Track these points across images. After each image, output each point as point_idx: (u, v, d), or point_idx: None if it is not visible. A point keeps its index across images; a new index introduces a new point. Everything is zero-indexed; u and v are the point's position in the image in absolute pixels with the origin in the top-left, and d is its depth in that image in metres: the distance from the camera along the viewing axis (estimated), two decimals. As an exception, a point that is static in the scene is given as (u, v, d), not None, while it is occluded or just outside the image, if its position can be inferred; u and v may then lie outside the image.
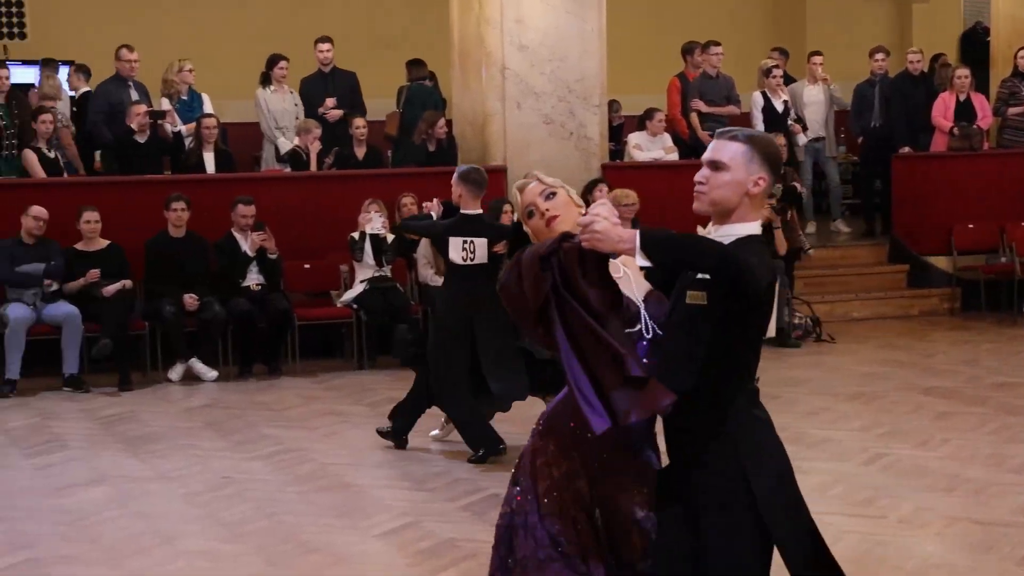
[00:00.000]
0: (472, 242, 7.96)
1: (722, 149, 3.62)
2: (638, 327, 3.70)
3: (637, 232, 3.31)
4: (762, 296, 3.47)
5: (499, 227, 8.25)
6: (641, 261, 3.28)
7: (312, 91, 12.99)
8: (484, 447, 7.89)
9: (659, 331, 3.67)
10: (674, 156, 13.28)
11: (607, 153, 13.05)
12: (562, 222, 3.88)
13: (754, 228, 3.63)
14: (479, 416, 7.98)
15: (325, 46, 12.99)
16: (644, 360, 3.58)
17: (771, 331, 11.87)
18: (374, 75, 13.42)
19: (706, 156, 3.66)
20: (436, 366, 7.94)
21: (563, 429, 3.68)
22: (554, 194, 3.99)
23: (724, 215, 3.60)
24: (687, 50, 14.25)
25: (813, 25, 17.81)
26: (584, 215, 3.40)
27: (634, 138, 13.49)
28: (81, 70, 13.35)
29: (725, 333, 3.47)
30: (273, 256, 11.00)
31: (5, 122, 11.60)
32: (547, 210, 3.93)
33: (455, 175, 8.08)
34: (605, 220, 3.31)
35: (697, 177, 3.62)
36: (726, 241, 3.54)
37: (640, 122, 13.62)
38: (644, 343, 3.69)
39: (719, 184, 3.59)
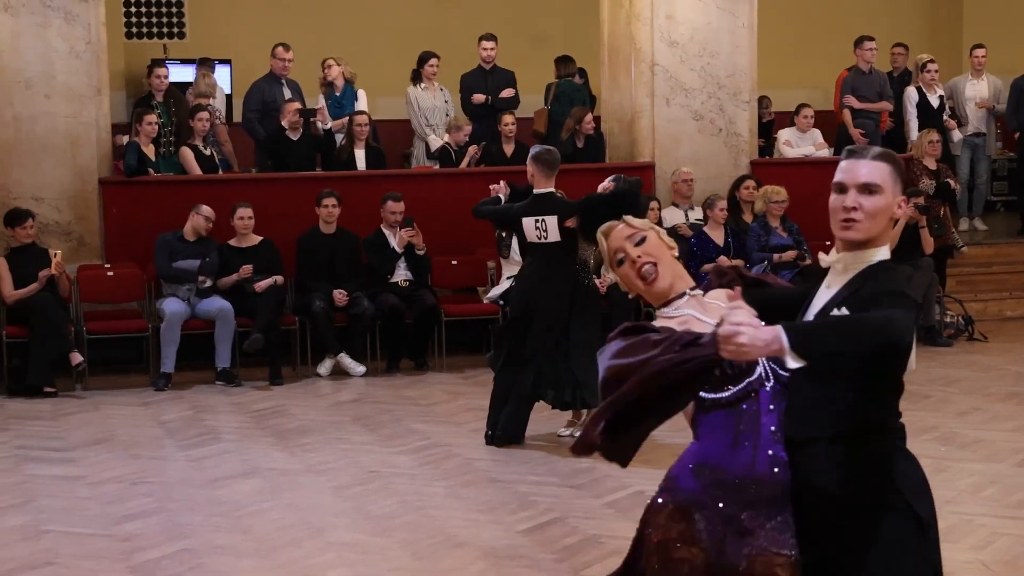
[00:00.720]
0: (544, 220, 8.15)
1: (872, 170, 3.29)
2: (757, 373, 3.38)
3: (781, 331, 2.99)
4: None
5: (568, 203, 8.24)
6: (793, 363, 3.01)
7: (472, 87, 13.06)
8: (503, 431, 8.23)
9: (784, 373, 3.33)
10: (825, 152, 13.04)
11: (756, 149, 12.92)
12: (662, 269, 3.57)
13: (886, 252, 3.33)
14: (520, 402, 8.24)
15: (489, 44, 13.02)
16: (771, 407, 3.33)
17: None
18: (524, 72, 13.44)
19: (853, 179, 3.30)
20: (506, 341, 8.27)
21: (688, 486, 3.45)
22: (644, 239, 3.62)
23: (864, 242, 3.29)
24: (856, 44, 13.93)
25: (970, 18, 17.33)
26: (721, 323, 3.05)
27: (784, 134, 13.31)
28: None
29: (870, 371, 3.18)
30: (421, 252, 11.10)
31: (163, 120, 11.90)
32: (639, 257, 3.58)
33: (528, 155, 8.36)
34: (748, 329, 2.99)
35: (848, 203, 3.27)
36: (860, 267, 3.26)
37: (791, 118, 13.42)
38: (767, 390, 3.36)
39: (876, 210, 3.26)
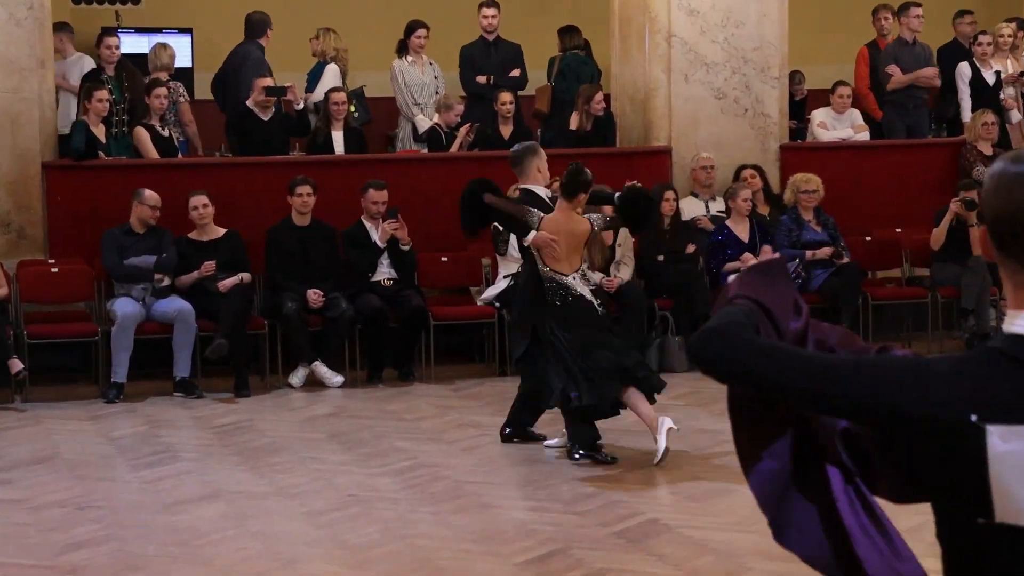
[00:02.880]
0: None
1: None
2: None
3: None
4: None
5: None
6: None
7: (474, 61, 13.09)
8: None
9: None
10: (864, 136, 13.07)
11: (787, 132, 12.92)
12: None
13: None
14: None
15: (491, 11, 13.08)
16: None
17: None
18: (526, 45, 13.46)
19: None
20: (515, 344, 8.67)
21: None
22: None
23: None
24: (876, 12, 14.01)
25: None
26: None
27: (818, 115, 13.31)
28: None
29: None
30: (406, 247, 11.13)
31: (115, 96, 11.91)
32: None
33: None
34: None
35: None
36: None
37: (827, 97, 13.43)
38: None
39: None
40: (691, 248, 11.59)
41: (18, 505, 7.55)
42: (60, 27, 12.72)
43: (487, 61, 13.14)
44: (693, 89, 12.29)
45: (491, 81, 12.99)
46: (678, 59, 12.23)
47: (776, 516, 2.67)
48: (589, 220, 8.46)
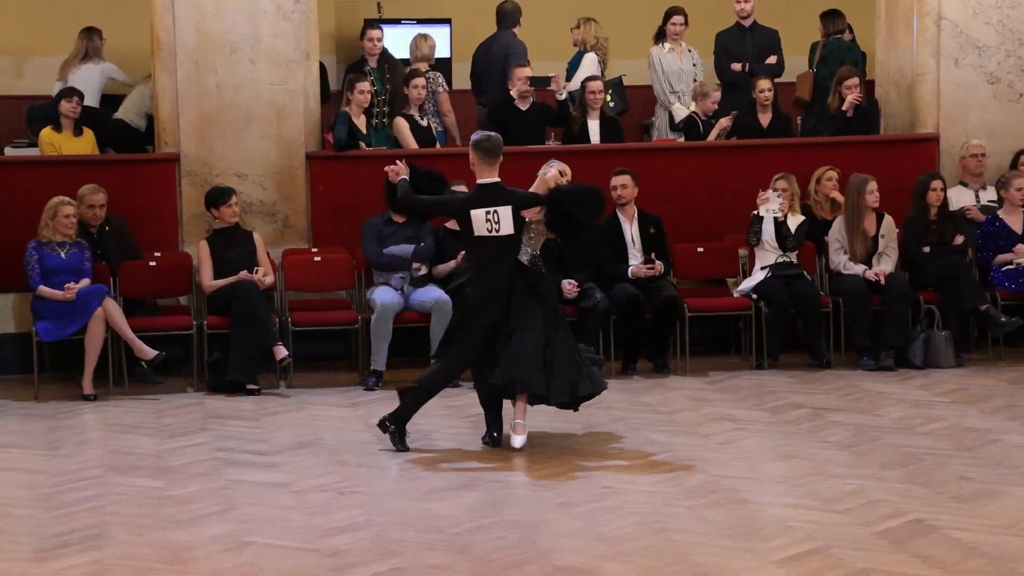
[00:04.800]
0: (496, 212, 8.52)
1: None
2: None
3: None
4: None
5: (524, 194, 8.76)
6: None
7: (729, 48, 13.01)
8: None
9: None
10: None
11: (1066, 120, 12.46)
12: None
13: None
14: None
15: None
16: None
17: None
18: (786, 30, 13.29)
19: None
20: (463, 347, 8.67)
21: None
22: None
23: None
24: None
25: None
26: None
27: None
28: None
29: None
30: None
31: (376, 88, 12.18)
32: None
33: (470, 143, 8.73)
34: None
35: None
36: None
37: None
38: None
39: None
40: (959, 239, 11.29)
41: (283, 488, 7.82)
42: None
43: (742, 48, 13.02)
44: (964, 74, 11.99)
45: (746, 69, 12.87)
46: (948, 42, 11.94)
47: None
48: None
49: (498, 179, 8.65)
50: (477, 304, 8.56)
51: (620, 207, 11.11)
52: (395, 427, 8.61)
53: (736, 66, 12.92)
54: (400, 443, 8.57)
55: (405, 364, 10.73)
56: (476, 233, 8.54)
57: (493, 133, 8.91)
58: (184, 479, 8.06)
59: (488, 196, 8.56)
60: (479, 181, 8.64)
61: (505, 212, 8.53)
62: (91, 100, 13.12)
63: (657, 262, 10.94)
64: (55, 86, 13.22)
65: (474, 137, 8.78)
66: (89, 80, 13.26)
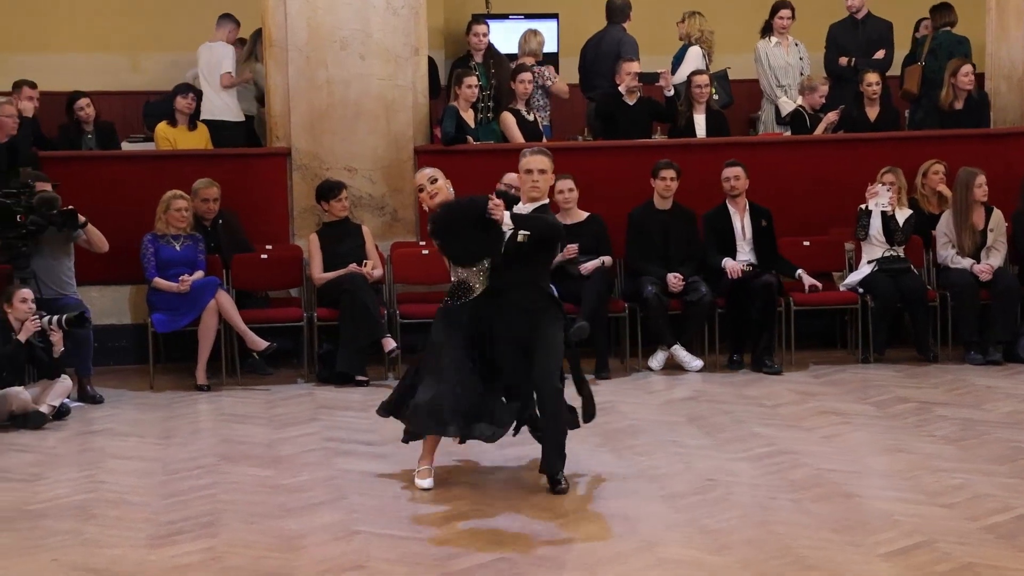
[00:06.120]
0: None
1: None
2: None
3: None
4: None
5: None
6: None
7: (840, 41, 12.92)
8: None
9: None
10: None
11: None
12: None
13: None
14: None
15: None
16: None
17: None
18: (898, 21, 13.16)
19: None
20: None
21: None
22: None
23: None
24: None
25: None
26: None
27: None
28: None
29: None
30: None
31: (482, 83, 12.25)
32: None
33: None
34: None
35: None
36: None
37: None
38: None
39: None
40: (1071, 233, 11.13)
41: (392, 479, 7.90)
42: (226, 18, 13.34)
43: (853, 40, 12.91)
44: (1074, 67, 11.81)
45: (852, 63, 12.77)
46: (1059, 35, 11.78)
47: None
48: None
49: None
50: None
51: (731, 199, 11.07)
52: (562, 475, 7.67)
53: (843, 60, 12.82)
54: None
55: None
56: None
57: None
58: (295, 468, 8.18)
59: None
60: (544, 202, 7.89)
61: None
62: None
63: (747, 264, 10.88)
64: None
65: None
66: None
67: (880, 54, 12.84)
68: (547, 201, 7.92)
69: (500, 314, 7.67)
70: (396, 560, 6.49)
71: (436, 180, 7.86)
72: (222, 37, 13.23)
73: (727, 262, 10.87)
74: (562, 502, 7.36)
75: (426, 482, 7.68)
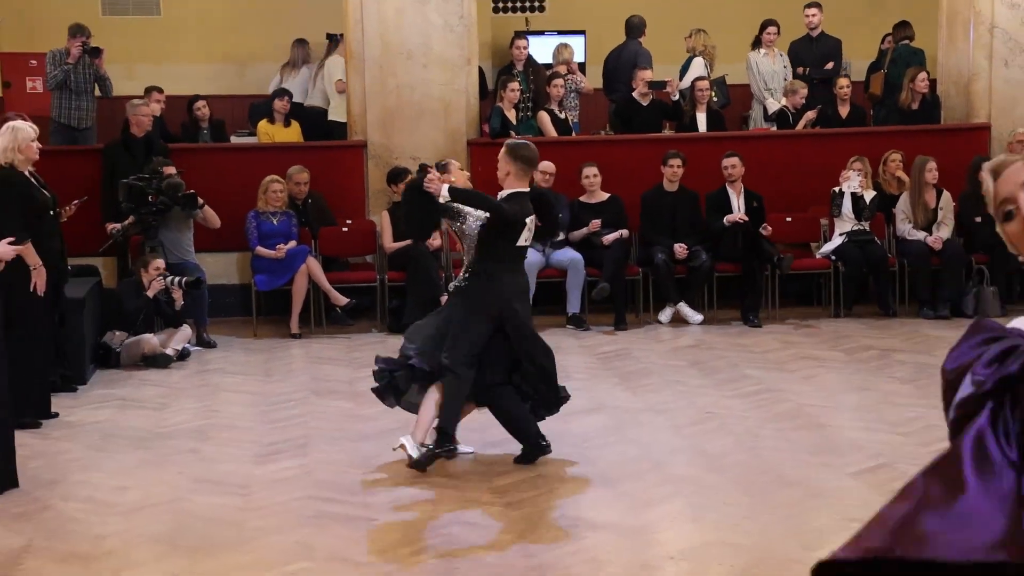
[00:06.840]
0: (527, 222, 6.64)
1: None
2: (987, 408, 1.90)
3: None
4: None
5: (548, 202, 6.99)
6: None
7: (799, 55, 12.82)
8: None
9: None
10: None
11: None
12: None
13: None
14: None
15: (812, 11, 12.77)
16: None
17: None
18: (859, 35, 13.01)
19: None
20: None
21: None
22: None
23: None
24: None
25: None
26: None
27: None
28: None
29: None
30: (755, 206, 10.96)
31: (522, 87, 12.21)
32: None
33: (504, 150, 6.67)
34: None
35: None
36: None
37: None
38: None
39: None
40: (1007, 210, 10.99)
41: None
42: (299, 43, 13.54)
43: (809, 54, 12.80)
44: (1012, 73, 11.65)
45: (807, 72, 12.68)
46: (999, 47, 11.62)
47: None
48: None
49: (528, 188, 6.79)
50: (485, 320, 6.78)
51: (730, 183, 11.00)
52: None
53: (800, 70, 12.73)
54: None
55: (546, 311, 10.76)
56: (516, 244, 6.63)
57: (528, 142, 6.92)
58: (370, 402, 8.14)
59: (525, 207, 6.65)
60: (517, 190, 6.66)
61: (532, 223, 6.71)
62: (299, 98, 13.35)
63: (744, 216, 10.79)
64: (272, 83, 13.48)
65: (512, 143, 6.78)
66: (302, 82, 13.50)
67: (829, 65, 12.70)
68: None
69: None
70: (453, 473, 6.51)
71: (446, 167, 6.83)
72: (304, 58, 13.46)
73: (728, 217, 10.81)
74: (585, 431, 7.35)
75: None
